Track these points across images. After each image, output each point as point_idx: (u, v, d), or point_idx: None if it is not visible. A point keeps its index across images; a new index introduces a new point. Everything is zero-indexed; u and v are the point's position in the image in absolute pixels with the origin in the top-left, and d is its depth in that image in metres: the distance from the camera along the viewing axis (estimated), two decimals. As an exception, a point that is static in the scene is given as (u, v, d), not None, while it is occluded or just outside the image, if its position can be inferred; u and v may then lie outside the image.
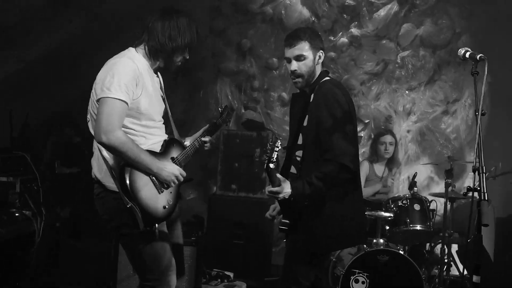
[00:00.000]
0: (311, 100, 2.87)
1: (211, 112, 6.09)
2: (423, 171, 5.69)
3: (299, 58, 2.88)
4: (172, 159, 2.80)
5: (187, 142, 3.01)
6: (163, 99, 2.88)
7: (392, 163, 5.17)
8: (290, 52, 2.91)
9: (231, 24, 6.02)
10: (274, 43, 5.95)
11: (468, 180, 5.60)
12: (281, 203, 2.93)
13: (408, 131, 5.86)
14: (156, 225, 2.69)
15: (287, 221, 2.89)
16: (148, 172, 2.65)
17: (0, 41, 4.73)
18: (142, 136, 2.73)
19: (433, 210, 4.43)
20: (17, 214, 4.45)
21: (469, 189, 2.30)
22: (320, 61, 2.95)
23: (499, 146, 5.22)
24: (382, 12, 5.79)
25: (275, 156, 2.69)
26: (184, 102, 6.05)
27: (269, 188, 2.75)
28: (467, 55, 2.47)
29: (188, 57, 2.76)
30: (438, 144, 5.80)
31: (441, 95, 5.83)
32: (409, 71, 5.81)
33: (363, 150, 5.74)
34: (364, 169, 5.08)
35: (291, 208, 2.85)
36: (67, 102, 5.34)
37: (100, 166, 2.72)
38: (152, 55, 2.70)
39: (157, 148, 2.78)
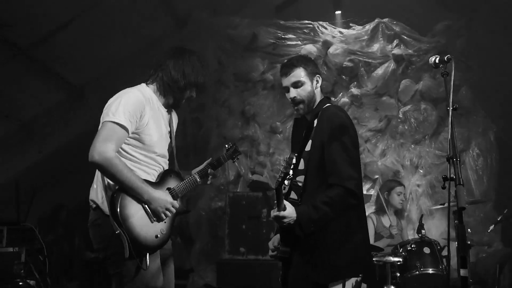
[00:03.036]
0: (314, 125, 2.88)
1: (218, 179, 6.20)
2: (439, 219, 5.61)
3: (297, 84, 2.93)
4: (169, 189, 2.82)
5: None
6: (170, 134, 2.98)
7: (401, 213, 5.15)
8: (287, 81, 2.96)
9: (233, 93, 6.41)
10: (277, 108, 6.28)
11: (487, 235, 5.45)
12: (283, 229, 2.81)
13: (418, 185, 5.86)
14: (148, 255, 2.66)
15: (287, 249, 2.80)
16: (140, 199, 2.69)
17: (22, 134, 5.15)
18: (145, 165, 2.80)
19: (444, 256, 4.29)
20: (21, 283, 4.50)
21: (445, 178, 2.33)
22: (318, 85, 2.99)
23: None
24: (380, 71, 6.10)
25: (291, 173, 2.56)
26: (191, 169, 6.21)
27: (275, 212, 2.65)
28: (437, 60, 2.61)
29: (195, 96, 2.94)
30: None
31: (447, 146, 5.87)
32: (412, 125, 5.96)
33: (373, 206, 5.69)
34: (371, 224, 5.05)
35: (293, 235, 2.73)
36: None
37: (99, 192, 2.76)
38: (163, 90, 2.86)
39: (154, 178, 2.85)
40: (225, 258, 5.53)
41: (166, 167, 2.90)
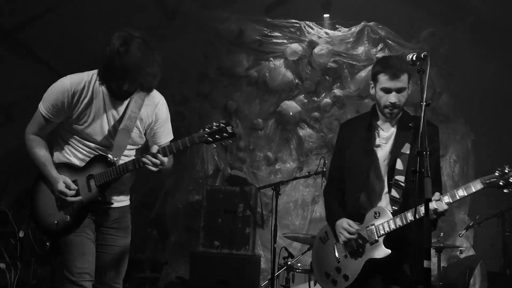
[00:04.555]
0: (410, 129, 2.92)
1: (197, 172, 6.24)
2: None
3: (401, 90, 2.91)
4: (90, 176, 2.77)
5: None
6: (125, 124, 2.80)
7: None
8: (393, 84, 2.89)
9: (217, 87, 6.46)
10: (259, 104, 6.36)
11: (459, 240, 5.59)
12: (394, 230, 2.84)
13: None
14: (47, 244, 2.78)
15: (389, 251, 2.86)
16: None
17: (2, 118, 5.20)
18: (80, 153, 2.81)
19: None
20: None
21: (414, 171, 2.43)
22: None
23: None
24: (363, 73, 6.23)
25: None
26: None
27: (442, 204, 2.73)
28: (414, 57, 2.68)
29: (126, 86, 2.68)
30: (425, 200, 5.86)
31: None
32: (392, 129, 6.04)
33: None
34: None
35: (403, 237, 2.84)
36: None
37: None
38: (100, 76, 2.72)
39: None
40: (199, 251, 5.55)
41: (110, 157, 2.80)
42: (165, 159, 2.63)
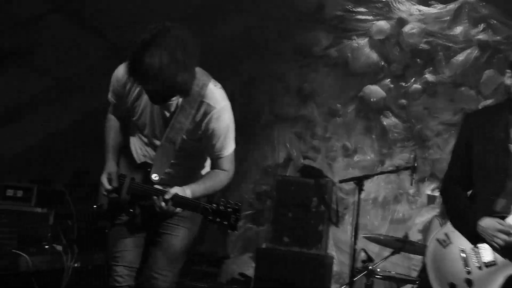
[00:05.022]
0: None
1: (266, 160, 5.87)
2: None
3: None
4: (132, 179, 2.69)
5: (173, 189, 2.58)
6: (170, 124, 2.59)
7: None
8: None
9: (291, 67, 6.10)
10: (339, 88, 5.91)
11: None
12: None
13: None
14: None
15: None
16: None
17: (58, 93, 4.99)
18: (137, 142, 2.76)
19: None
20: (47, 247, 4.42)
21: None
22: None
23: None
24: (460, 57, 5.55)
25: None
26: (236, 147, 5.88)
27: None
28: None
29: (141, 86, 2.52)
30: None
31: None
32: (493, 121, 5.31)
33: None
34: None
35: None
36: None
37: None
38: None
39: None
40: (266, 247, 5.29)
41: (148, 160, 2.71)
42: (172, 208, 2.50)
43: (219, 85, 2.56)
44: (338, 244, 5.61)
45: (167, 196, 2.46)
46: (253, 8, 5.47)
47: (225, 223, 2.39)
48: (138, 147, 2.73)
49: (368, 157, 5.79)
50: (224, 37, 5.50)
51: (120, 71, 2.59)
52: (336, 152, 5.86)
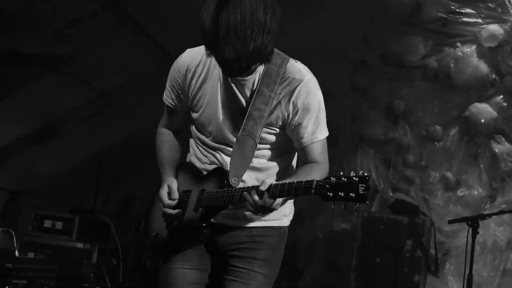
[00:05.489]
0: None
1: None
2: None
3: None
4: (202, 191, 2.34)
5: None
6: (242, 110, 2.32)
7: None
8: None
9: (379, 80, 5.74)
10: (438, 106, 5.48)
11: None
12: None
13: None
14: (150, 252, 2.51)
15: None
16: None
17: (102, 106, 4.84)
18: (201, 148, 2.44)
19: None
20: None
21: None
22: None
23: None
24: None
25: None
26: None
27: None
28: None
29: (215, 56, 2.20)
30: None
31: None
32: None
33: None
34: None
35: None
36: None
37: None
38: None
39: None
40: None
41: (226, 160, 2.34)
42: (270, 202, 2.10)
43: (299, 62, 2.34)
44: (436, 298, 5.18)
45: (262, 187, 2.10)
46: (336, 8, 5.03)
47: (352, 195, 1.93)
48: (201, 155, 2.44)
49: (475, 192, 5.33)
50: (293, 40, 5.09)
51: (181, 58, 2.42)
52: (433, 185, 5.44)
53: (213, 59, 2.23)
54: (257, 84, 2.25)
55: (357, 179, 1.94)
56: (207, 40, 2.13)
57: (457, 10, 5.36)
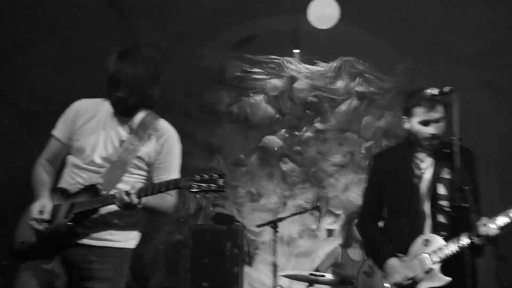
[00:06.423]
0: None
1: (178, 212, 6.14)
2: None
3: (439, 120, 2.92)
4: (73, 204, 2.53)
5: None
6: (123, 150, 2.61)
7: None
8: (431, 115, 2.90)
9: (199, 125, 6.44)
10: (241, 141, 6.39)
11: None
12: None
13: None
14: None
15: (449, 278, 2.83)
16: None
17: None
18: (70, 173, 2.64)
19: None
20: None
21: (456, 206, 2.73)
22: None
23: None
24: (343, 107, 6.41)
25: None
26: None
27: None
28: (436, 92, 2.78)
29: (120, 94, 2.56)
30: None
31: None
32: (374, 161, 6.12)
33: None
34: (335, 254, 5.10)
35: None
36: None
37: None
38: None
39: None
40: None
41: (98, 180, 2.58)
42: (136, 201, 2.38)
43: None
44: (252, 283, 5.96)
45: (132, 190, 2.38)
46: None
47: (214, 186, 2.34)
48: (71, 178, 2.62)
49: (272, 200, 6.28)
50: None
51: (77, 102, 2.70)
52: (242, 198, 6.28)
53: (103, 111, 2.58)
54: (137, 126, 2.59)
55: (217, 175, 2.36)
56: (109, 82, 2.47)
57: (249, 70, 6.40)
